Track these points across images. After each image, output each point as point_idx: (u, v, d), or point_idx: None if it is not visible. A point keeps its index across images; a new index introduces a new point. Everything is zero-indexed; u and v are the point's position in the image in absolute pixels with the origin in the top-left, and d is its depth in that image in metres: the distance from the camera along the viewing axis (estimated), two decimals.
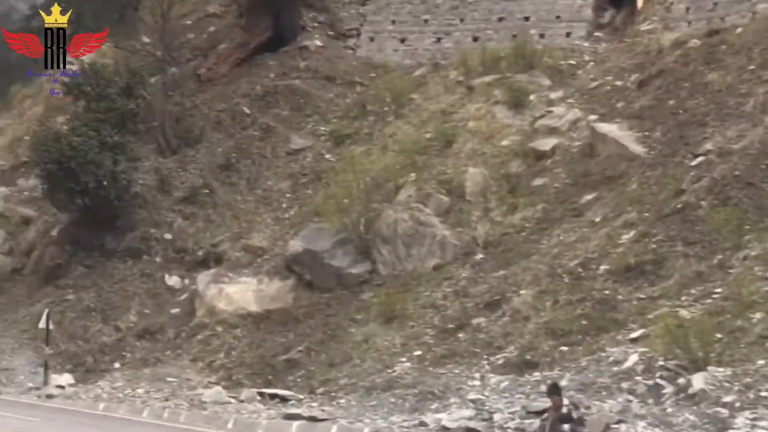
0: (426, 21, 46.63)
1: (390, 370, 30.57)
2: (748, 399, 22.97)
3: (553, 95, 39.41)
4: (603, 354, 26.57)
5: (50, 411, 32.97)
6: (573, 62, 41.33)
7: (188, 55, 50.12)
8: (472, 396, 27.17)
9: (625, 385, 25.00)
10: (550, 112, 38.31)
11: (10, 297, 43.99)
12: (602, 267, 30.13)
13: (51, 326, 38.13)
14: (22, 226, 47.08)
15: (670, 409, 23.65)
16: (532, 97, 39.46)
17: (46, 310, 38.68)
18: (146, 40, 50.19)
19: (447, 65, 43.66)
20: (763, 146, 30.68)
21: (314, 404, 30.34)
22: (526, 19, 44.55)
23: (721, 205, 29.56)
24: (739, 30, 37.01)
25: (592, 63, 41.11)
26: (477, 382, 28.08)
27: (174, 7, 48.40)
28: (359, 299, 35.25)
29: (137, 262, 41.71)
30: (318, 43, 48.20)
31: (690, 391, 23.87)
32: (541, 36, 43.47)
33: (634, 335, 26.83)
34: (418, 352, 31.07)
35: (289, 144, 43.76)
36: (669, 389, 24.38)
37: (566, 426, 19.09)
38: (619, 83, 38.51)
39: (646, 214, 31.07)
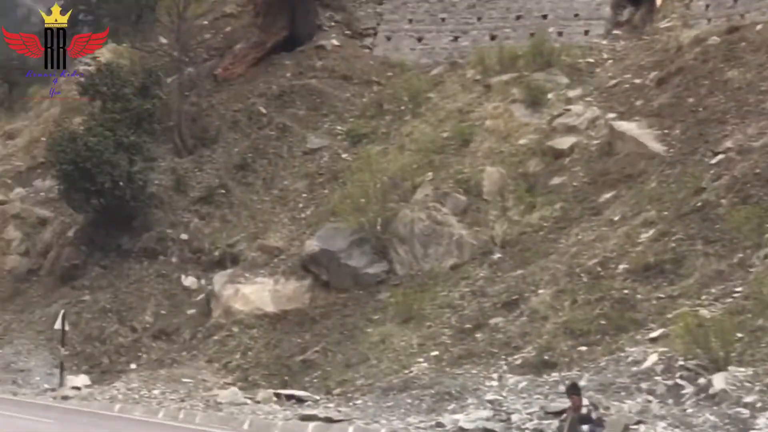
0: (443, 20, 46.42)
1: (407, 371, 30.38)
2: None
3: (572, 93, 39.15)
4: (622, 354, 26.36)
5: (65, 412, 32.86)
6: (591, 60, 41.10)
7: (205, 55, 50.05)
8: (489, 396, 26.97)
9: (644, 385, 24.78)
10: (569, 110, 38.08)
11: (27, 298, 43.91)
12: (621, 266, 29.89)
13: (67, 327, 38.13)
14: (38, 227, 47.01)
15: (690, 410, 23.42)
16: (550, 95, 39.20)
17: (62, 311, 38.65)
18: (163, 41, 50.13)
19: (464, 64, 43.38)
20: None
21: (330, 405, 30.16)
22: (544, 17, 44.36)
23: (741, 203, 29.31)
24: (759, 27, 36.79)
25: (610, 61, 40.87)
26: (495, 383, 27.86)
27: (190, 7, 48.32)
28: (376, 299, 35.08)
29: (153, 263, 41.60)
30: (335, 42, 48.03)
31: (710, 391, 23.64)
32: (559, 34, 43.27)
33: (653, 335, 26.59)
34: (435, 353, 30.88)
35: (305, 144, 43.57)
36: (689, 389, 24.15)
37: (585, 427, 18.93)
38: (637, 81, 38.25)
39: (666, 213, 30.82)
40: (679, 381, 24.46)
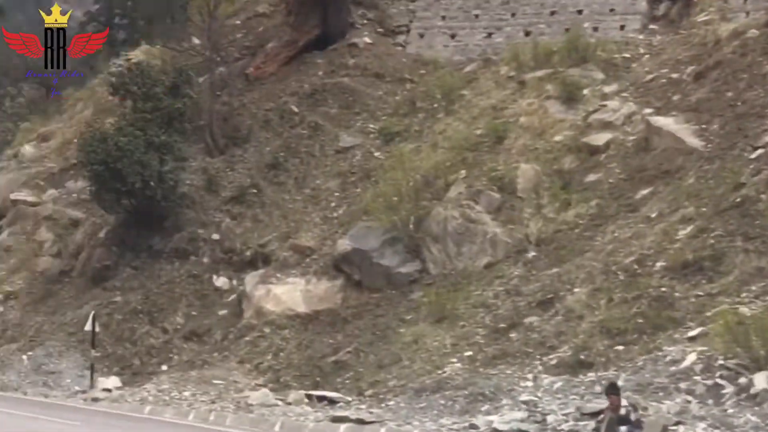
0: (476, 16, 45.92)
1: (440, 371, 29.99)
2: None
3: (607, 89, 38.55)
4: (660, 353, 25.95)
5: (93, 414, 32.71)
6: (627, 55, 40.46)
7: (236, 54, 49.80)
8: (524, 397, 26.63)
9: (683, 385, 24.38)
10: (604, 106, 37.50)
11: (58, 299, 43.73)
12: (659, 263, 29.35)
13: (97, 328, 37.99)
14: (70, 228, 46.88)
15: (730, 410, 23.03)
16: (585, 91, 38.61)
17: (92, 312, 38.46)
18: (196, 41, 50.02)
19: (498, 60, 42.86)
20: None
21: (362, 406, 29.89)
22: (579, 12, 43.73)
23: None
24: None
25: (647, 56, 40.26)
26: (529, 383, 27.51)
27: (221, 6, 48.13)
28: (409, 299, 34.67)
29: (184, 263, 41.31)
30: (367, 40, 47.63)
31: (752, 391, 23.24)
32: (595, 29, 42.66)
33: (692, 333, 26.15)
34: (469, 353, 30.48)
35: (337, 142, 43.18)
36: (729, 389, 23.75)
37: (623, 428, 18.69)
38: (674, 76, 37.62)
39: (704, 209, 30.26)
40: (718, 381, 24.06)
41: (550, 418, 25.10)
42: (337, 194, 40.94)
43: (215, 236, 41.60)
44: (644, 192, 33.20)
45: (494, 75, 42.01)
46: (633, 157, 35.00)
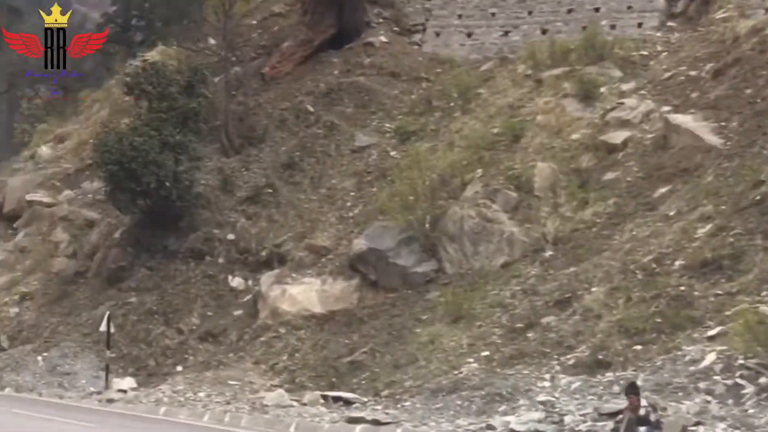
0: (493, 14, 45.73)
1: (456, 372, 29.79)
2: None
3: (625, 87, 38.28)
4: (679, 353, 25.71)
5: (107, 416, 32.67)
6: (645, 53, 40.22)
7: (252, 53, 49.79)
8: (541, 398, 26.42)
9: (702, 385, 24.16)
10: (622, 104, 37.22)
11: (74, 300, 43.64)
12: (677, 262, 29.08)
13: (112, 329, 37.89)
14: (86, 228, 46.86)
15: (751, 410, 22.83)
16: (602, 89, 38.35)
17: (107, 313, 38.33)
18: (212, 41, 49.96)
19: (515, 59, 42.61)
20: None
21: (378, 407, 29.71)
22: (596, 10, 43.53)
23: None
24: None
25: (665, 53, 40.00)
26: (547, 383, 27.30)
27: (236, 5, 47.97)
28: (425, 299, 34.48)
29: (200, 264, 41.17)
30: (383, 39, 47.47)
31: None
32: (612, 27, 42.43)
33: (711, 333, 25.91)
34: (486, 353, 30.26)
35: (353, 141, 43.03)
36: (750, 389, 23.52)
37: (643, 428, 18.59)
38: (693, 73, 37.34)
39: (723, 207, 29.98)
40: (739, 380, 23.83)
41: (567, 419, 24.90)
42: (352, 194, 40.78)
43: (230, 236, 41.43)
44: (662, 190, 32.93)
45: (511, 73, 41.78)
46: (651, 155, 34.74)
